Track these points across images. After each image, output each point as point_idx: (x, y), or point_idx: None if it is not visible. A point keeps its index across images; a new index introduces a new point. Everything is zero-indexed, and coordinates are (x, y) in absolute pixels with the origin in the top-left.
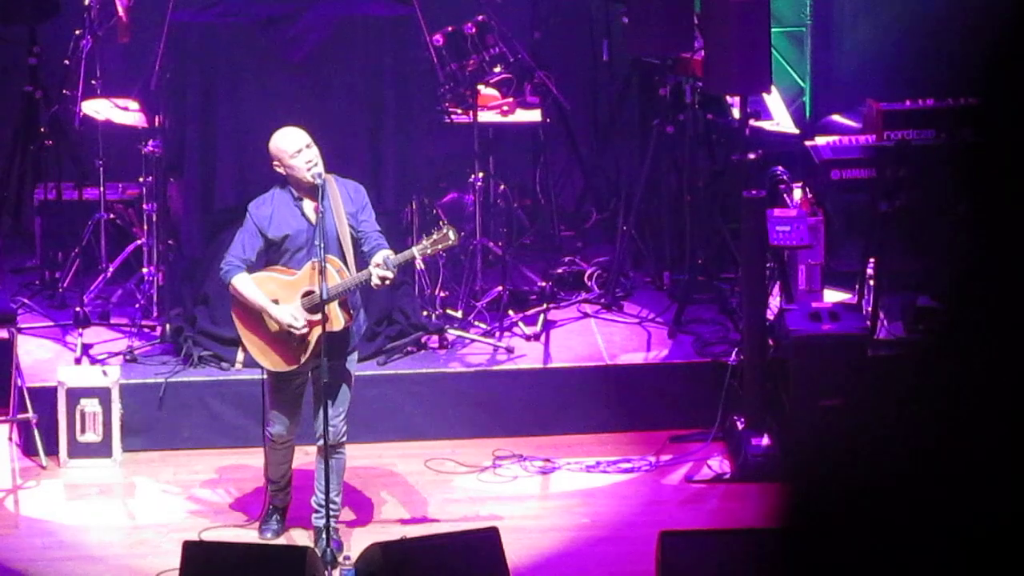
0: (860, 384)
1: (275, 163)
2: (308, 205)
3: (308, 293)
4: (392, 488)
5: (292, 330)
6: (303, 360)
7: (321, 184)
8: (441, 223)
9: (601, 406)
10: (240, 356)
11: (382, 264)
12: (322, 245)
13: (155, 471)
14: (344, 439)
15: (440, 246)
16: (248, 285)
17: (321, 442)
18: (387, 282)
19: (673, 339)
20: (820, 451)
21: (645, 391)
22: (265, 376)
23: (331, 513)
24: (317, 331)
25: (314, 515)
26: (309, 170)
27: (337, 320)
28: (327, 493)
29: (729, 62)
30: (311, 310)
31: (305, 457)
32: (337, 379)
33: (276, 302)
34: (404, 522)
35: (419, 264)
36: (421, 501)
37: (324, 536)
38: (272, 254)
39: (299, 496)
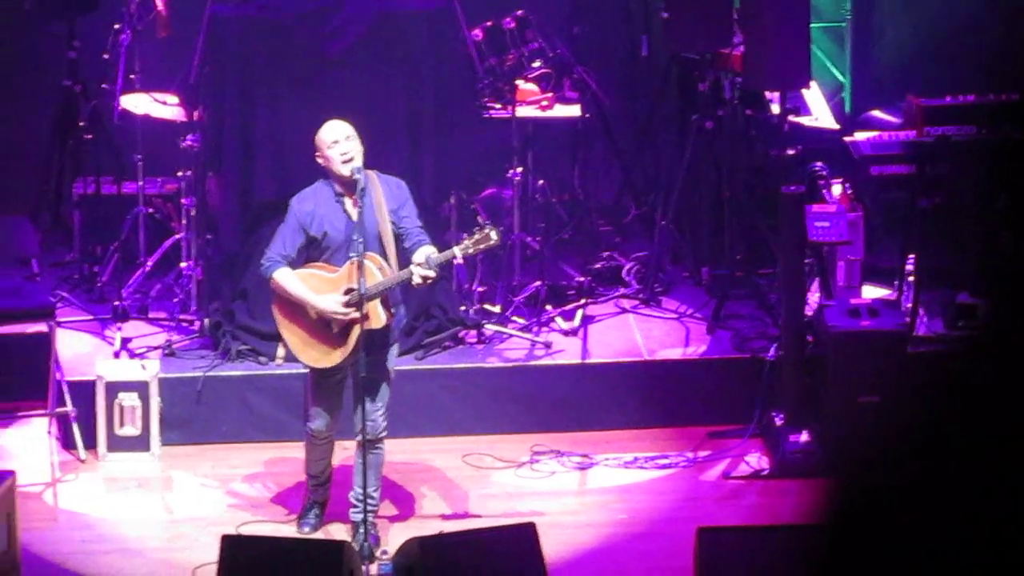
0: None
1: (316, 153)
2: (349, 201)
3: (350, 291)
4: (430, 483)
5: (336, 318)
6: (343, 356)
7: (360, 180)
8: (482, 222)
9: (639, 402)
10: (280, 351)
11: (424, 263)
12: (362, 241)
13: (193, 465)
14: (384, 434)
15: (482, 246)
16: (290, 278)
17: (360, 437)
18: (428, 281)
19: (711, 335)
20: (858, 447)
21: (683, 387)
22: (307, 371)
23: (369, 508)
24: (357, 327)
25: (352, 510)
26: (343, 162)
27: (378, 318)
28: (365, 488)
29: (769, 58)
30: (352, 305)
31: (344, 452)
32: (377, 374)
33: None
34: (442, 517)
35: (458, 259)
36: (459, 496)
37: (362, 531)
38: (313, 250)
39: (337, 491)
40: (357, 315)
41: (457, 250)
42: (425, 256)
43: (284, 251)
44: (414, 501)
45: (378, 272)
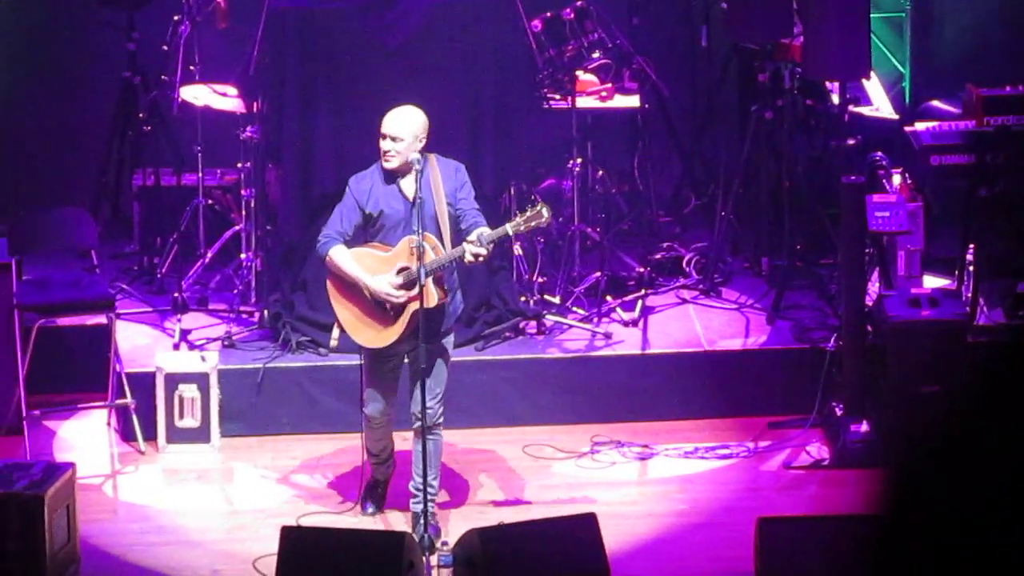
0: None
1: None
2: (405, 182)
3: (404, 268)
4: (490, 474)
5: (389, 299)
6: (396, 337)
7: (408, 170)
8: (535, 200)
9: (699, 392)
10: (335, 333)
11: (475, 240)
12: (420, 227)
13: (253, 456)
14: (440, 420)
15: (533, 223)
16: (345, 257)
17: (418, 425)
18: (480, 259)
19: (771, 325)
20: (918, 437)
21: (743, 377)
22: (361, 357)
23: (429, 496)
24: (410, 308)
25: (412, 500)
26: (383, 157)
27: (431, 297)
28: (424, 477)
29: (828, 48)
30: (406, 286)
31: (403, 443)
32: (433, 361)
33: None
34: (501, 507)
35: (517, 250)
36: (519, 487)
37: (422, 521)
38: (369, 230)
39: (397, 482)
40: (406, 296)
41: (509, 227)
42: (478, 234)
43: (341, 228)
44: (474, 491)
45: (431, 251)
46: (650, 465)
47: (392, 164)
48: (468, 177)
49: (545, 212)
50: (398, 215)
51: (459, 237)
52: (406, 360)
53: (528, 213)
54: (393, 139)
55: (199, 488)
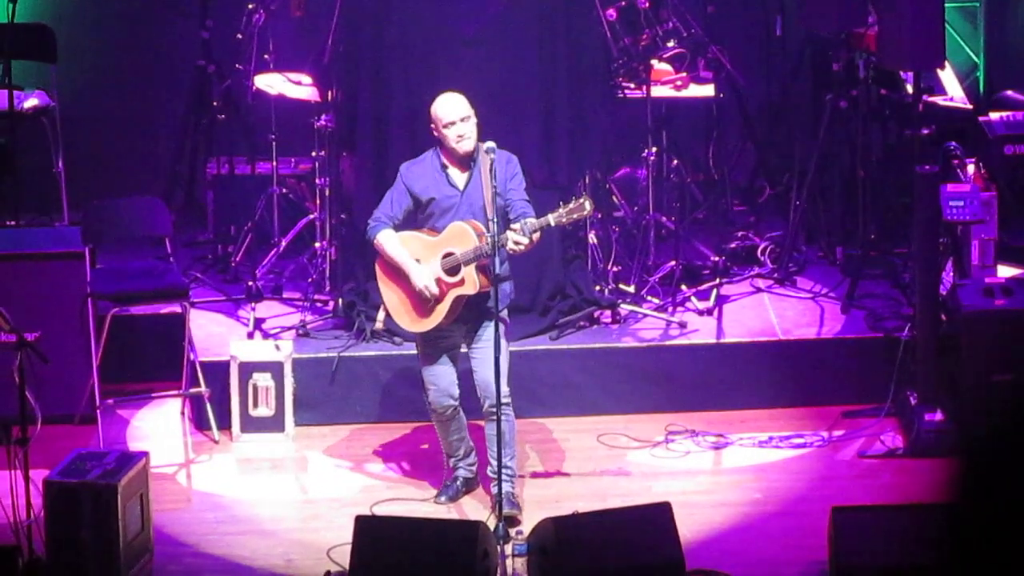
0: None
1: (431, 125)
2: (455, 171)
3: (448, 254)
4: (564, 463)
5: (426, 291)
6: (437, 322)
7: (473, 155)
8: (583, 194)
9: (773, 381)
10: (380, 315)
11: (518, 229)
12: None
13: (327, 445)
14: (508, 400)
15: (575, 215)
16: (392, 241)
17: (485, 408)
18: (521, 247)
19: (846, 314)
20: (992, 426)
21: (818, 366)
22: (416, 347)
23: (505, 478)
24: (452, 294)
25: (492, 485)
26: (458, 143)
27: (472, 283)
28: (500, 459)
29: (903, 37)
30: (449, 271)
31: (477, 432)
32: (486, 344)
33: (418, 261)
34: (576, 496)
35: (592, 239)
36: (593, 476)
37: (498, 505)
38: (419, 216)
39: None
40: (452, 287)
41: (551, 218)
42: (520, 224)
43: (390, 212)
44: (549, 481)
45: (476, 238)
46: (724, 454)
47: (470, 146)
48: (520, 169)
49: (587, 204)
50: (448, 202)
51: (507, 227)
52: (464, 349)
53: (571, 205)
54: (464, 120)
55: (273, 477)
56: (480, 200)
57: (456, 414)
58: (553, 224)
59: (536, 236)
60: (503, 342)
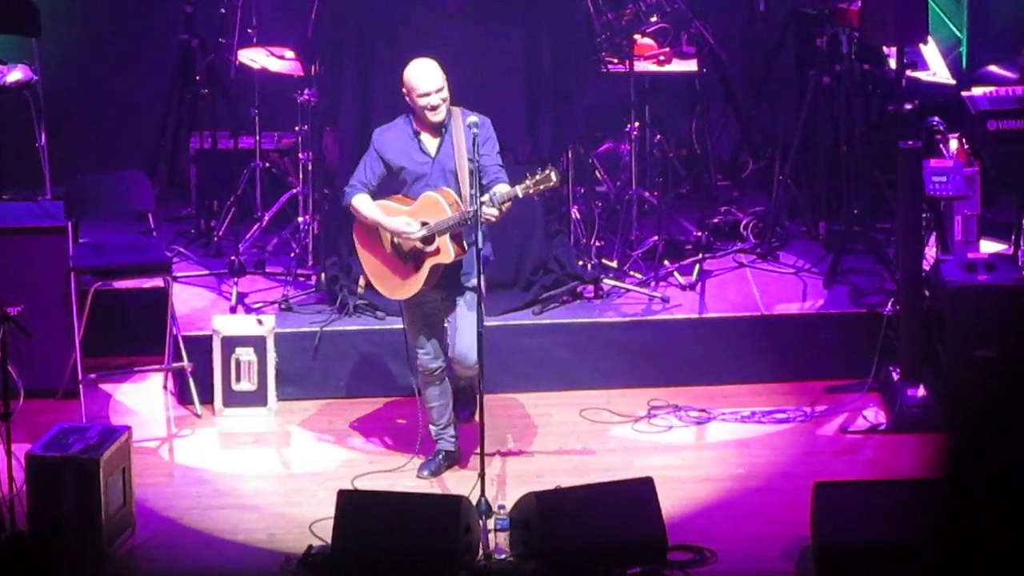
0: (1015, 335)
1: (403, 90)
2: (427, 137)
3: (423, 224)
4: (547, 437)
5: (405, 236)
6: (416, 290)
7: (445, 120)
8: (547, 167)
9: (756, 356)
10: (361, 282)
11: (487, 201)
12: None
13: (310, 420)
14: (475, 368)
15: (542, 186)
16: (367, 204)
17: (458, 368)
18: (492, 218)
19: (829, 289)
20: (975, 402)
21: (800, 341)
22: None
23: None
24: (429, 262)
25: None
26: (431, 114)
27: (447, 252)
28: (482, 438)
29: (886, 12)
30: (424, 241)
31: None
32: (459, 311)
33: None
34: (559, 471)
35: (575, 214)
36: (576, 451)
37: (481, 481)
38: (392, 182)
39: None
40: (428, 257)
41: (519, 189)
42: (490, 194)
43: (364, 179)
44: (531, 456)
45: (449, 208)
46: (707, 429)
47: (442, 116)
48: (493, 132)
49: (553, 176)
50: (420, 169)
51: (483, 192)
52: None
53: (537, 176)
54: (438, 91)
55: (255, 452)
56: (451, 165)
57: (443, 376)
58: (521, 195)
59: (506, 206)
60: (475, 309)
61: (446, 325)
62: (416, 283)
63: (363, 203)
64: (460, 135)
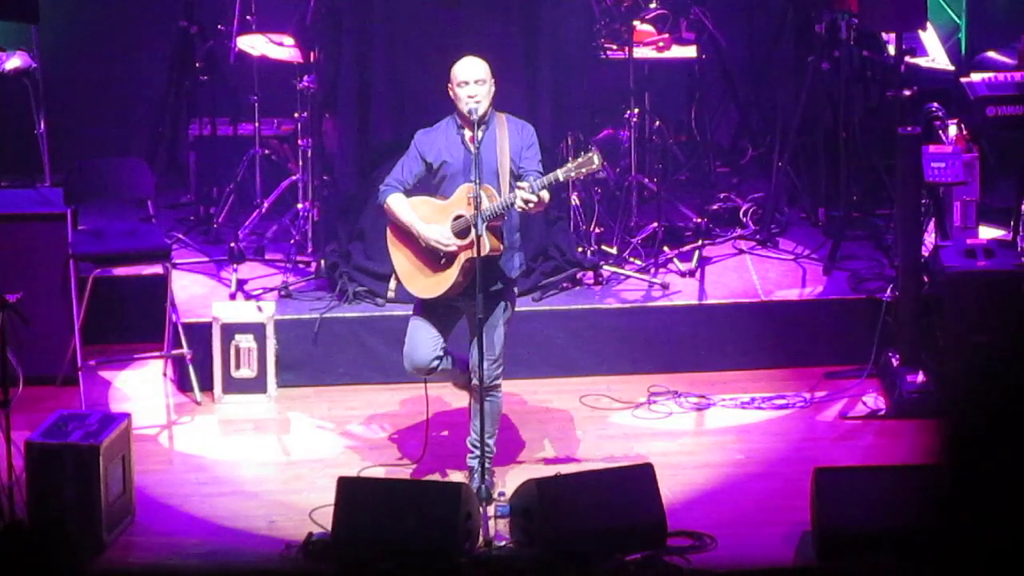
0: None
1: (448, 84)
2: (470, 133)
3: (459, 216)
4: (547, 424)
5: (439, 247)
6: (448, 286)
7: (484, 118)
8: (589, 147)
9: (756, 342)
10: (392, 284)
11: (526, 187)
12: (478, 179)
13: (309, 407)
14: (498, 382)
15: (584, 169)
16: (402, 204)
17: (475, 381)
18: (530, 205)
19: (828, 275)
20: (974, 387)
21: (800, 327)
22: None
23: (486, 455)
24: (462, 257)
25: (469, 455)
26: (467, 104)
27: (484, 246)
28: (482, 436)
29: None
30: (459, 233)
31: (463, 399)
32: (489, 314)
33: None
34: (559, 458)
35: (574, 200)
36: (576, 437)
37: (478, 475)
38: (432, 182)
39: (457, 433)
40: (457, 245)
41: (560, 172)
42: (529, 181)
43: (401, 177)
44: (531, 442)
45: (486, 200)
46: (707, 415)
47: (483, 107)
48: (536, 140)
49: (596, 159)
50: (458, 164)
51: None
52: (466, 320)
53: (580, 159)
54: (478, 81)
55: (255, 439)
56: (493, 163)
57: (427, 376)
58: (562, 179)
59: (545, 194)
60: (506, 319)
61: (471, 329)
62: (449, 278)
63: (398, 204)
64: (504, 137)
